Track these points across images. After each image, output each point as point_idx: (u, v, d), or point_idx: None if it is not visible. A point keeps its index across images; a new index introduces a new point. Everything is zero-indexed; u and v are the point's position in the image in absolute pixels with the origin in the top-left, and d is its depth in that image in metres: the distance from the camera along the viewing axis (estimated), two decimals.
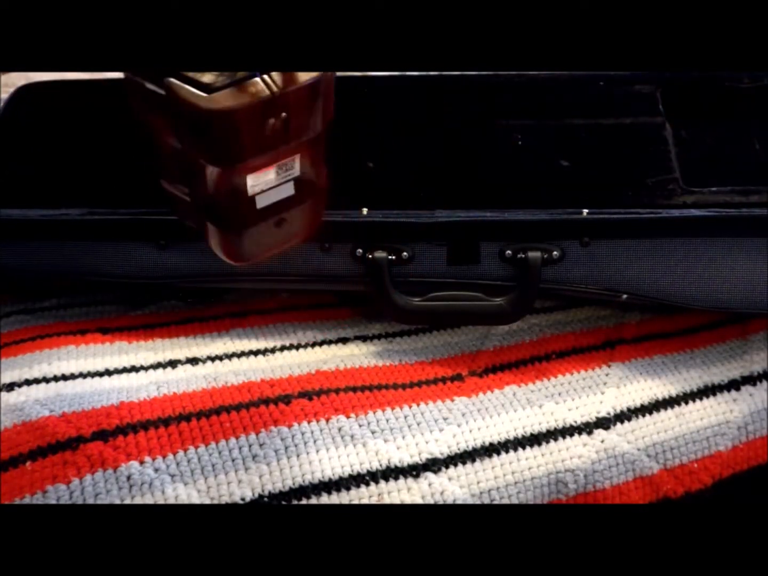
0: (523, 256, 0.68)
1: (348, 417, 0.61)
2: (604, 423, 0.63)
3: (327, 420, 0.61)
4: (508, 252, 0.68)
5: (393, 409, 0.62)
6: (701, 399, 0.67)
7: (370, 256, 0.68)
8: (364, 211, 0.68)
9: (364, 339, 0.73)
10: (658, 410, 0.65)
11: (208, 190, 0.58)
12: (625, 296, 0.69)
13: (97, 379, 0.65)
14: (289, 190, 0.60)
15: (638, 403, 0.65)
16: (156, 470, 0.56)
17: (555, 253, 0.68)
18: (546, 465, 0.61)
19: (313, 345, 0.72)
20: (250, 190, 0.57)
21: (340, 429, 0.60)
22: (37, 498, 0.54)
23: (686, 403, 0.66)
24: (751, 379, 0.70)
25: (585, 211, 0.67)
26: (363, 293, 0.71)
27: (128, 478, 0.56)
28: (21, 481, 0.55)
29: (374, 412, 0.62)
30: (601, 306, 0.77)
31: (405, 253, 0.68)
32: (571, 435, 0.62)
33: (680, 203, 0.68)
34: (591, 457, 0.61)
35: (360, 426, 0.61)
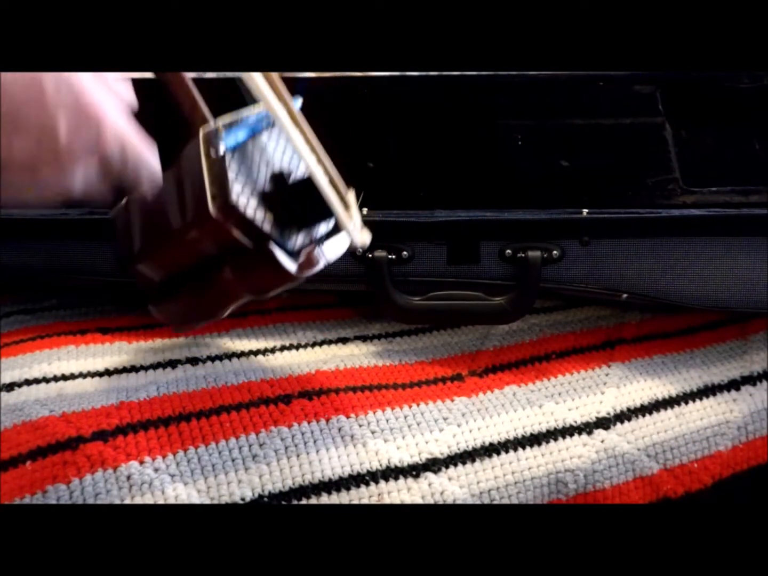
0: (523, 255, 0.68)
1: (348, 417, 0.61)
2: (604, 423, 0.63)
3: (327, 420, 0.61)
4: (508, 251, 0.68)
5: (393, 409, 0.63)
6: (701, 399, 0.67)
7: (370, 255, 0.68)
8: (364, 211, 0.68)
9: (364, 339, 0.73)
10: (658, 410, 0.65)
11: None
12: (625, 295, 0.69)
13: (96, 379, 0.65)
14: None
15: (638, 403, 0.65)
16: (156, 470, 0.56)
17: (555, 252, 0.68)
18: (546, 465, 0.60)
19: (313, 345, 0.72)
20: None
21: (340, 429, 0.60)
22: (37, 498, 0.54)
23: (686, 403, 0.66)
24: (751, 379, 0.70)
25: (585, 210, 0.68)
26: (363, 293, 0.71)
27: (128, 478, 0.55)
28: (21, 481, 0.54)
29: (374, 412, 0.62)
30: (601, 306, 0.78)
31: (405, 253, 0.68)
32: (571, 435, 0.62)
33: (680, 203, 0.68)
34: (591, 457, 0.61)
35: (360, 426, 0.61)
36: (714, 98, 0.70)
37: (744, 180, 0.68)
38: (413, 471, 0.59)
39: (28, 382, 0.63)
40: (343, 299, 0.78)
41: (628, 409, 0.65)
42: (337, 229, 0.62)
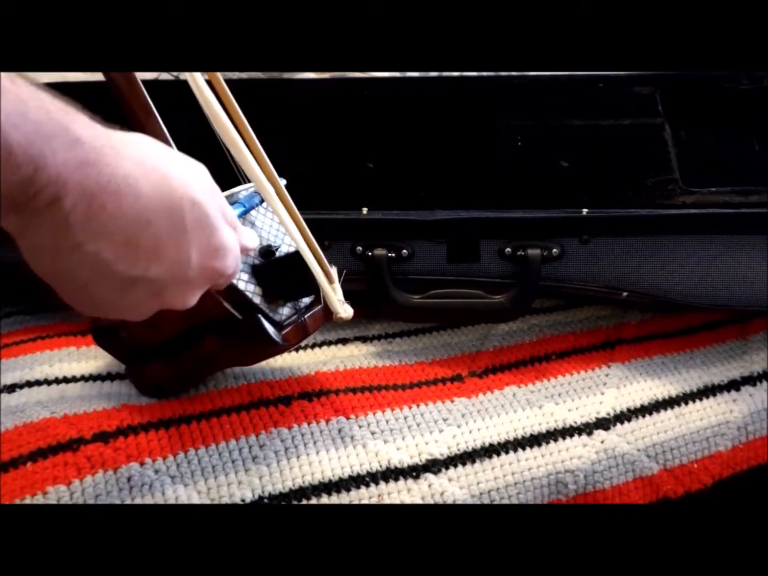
0: (523, 253, 0.68)
1: (348, 418, 0.61)
2: (604, 423, 0.63)
3: (327, 421, 0.61)
4: (508, 250, 0.68)
5: (393, 410, 0.63)
6: (701, 399, 0.67)
7: (370, 253, 0.69)
8: (364, 210, 0.68)
9: (363, 340, 0.73)
10: (658, 411, 0.65)
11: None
12: (625, 294, 0.69)
13: (98, 382, 0.65)
14: None
15: (638, 404, 0.65)
16: (156, 471, 0.56)
17: (555, 250, 0.68)
18: (546, 466, 0.60)
19: (313, 346, 0.72)
20: None
21: (340, 430, 0.60)
22: (37, 498, 0.54)
23: (686, 403, 0.66)
24: (751, 380, 0.70)
25: (584, 210, 0.68)
26: (363, 292, 0.70)
27: (128, 479, 0.56)
28: (21, 481, 0.54)
29: (374, 413, 0.62)
30: (601, 306, 0.78)
31: (405, 251, 0.68)
32: (571, 436, 0.62)
33: (679, 203, 0.69)
34: (591, 458, 0.61)
35: (360, 427, 0.61)
36: (714, 99, 0.71)
37: (743, 180, 0.68)
38: (413, 472, 0.59)
39: (29, 384, 0.63)
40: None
41: (628, 410, 0.65)
42: (319, 301, 0.63)
